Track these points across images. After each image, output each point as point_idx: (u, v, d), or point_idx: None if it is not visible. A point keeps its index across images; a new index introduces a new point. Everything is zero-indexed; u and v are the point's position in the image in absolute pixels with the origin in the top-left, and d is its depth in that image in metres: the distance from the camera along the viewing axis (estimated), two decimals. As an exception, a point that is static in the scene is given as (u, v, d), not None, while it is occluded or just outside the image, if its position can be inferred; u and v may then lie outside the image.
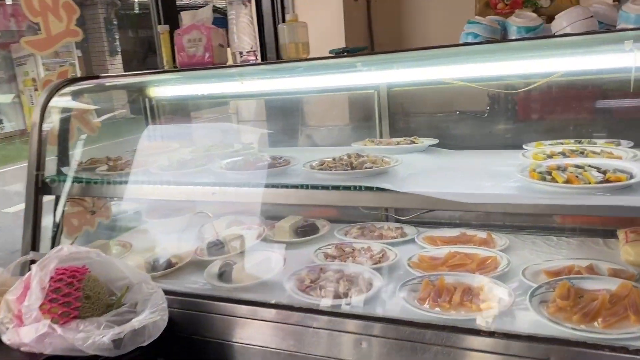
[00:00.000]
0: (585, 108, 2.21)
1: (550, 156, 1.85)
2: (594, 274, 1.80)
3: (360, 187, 1.75)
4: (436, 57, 2.06)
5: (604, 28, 1.87)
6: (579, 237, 2.18)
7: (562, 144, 2.08)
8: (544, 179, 1.58)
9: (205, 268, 2.12)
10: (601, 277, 1.72)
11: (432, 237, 2.26)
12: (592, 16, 1.83)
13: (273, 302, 1.81)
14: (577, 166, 1.64)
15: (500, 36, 1.98)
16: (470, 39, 1.94)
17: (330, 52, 2.14)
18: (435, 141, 2.26)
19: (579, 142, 2.06)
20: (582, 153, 1.82)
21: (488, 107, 2.44)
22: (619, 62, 1.82)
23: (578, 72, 2.03)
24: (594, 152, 1.83)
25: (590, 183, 1.52)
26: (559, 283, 1.68)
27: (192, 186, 2.00)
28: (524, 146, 2.10)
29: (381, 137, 2.53)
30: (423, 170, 1.93)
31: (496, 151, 2.20)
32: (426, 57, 2.06)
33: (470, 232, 2.27)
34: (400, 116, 2.58)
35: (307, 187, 1.84)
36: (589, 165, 1.63)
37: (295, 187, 1.86)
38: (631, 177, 1.53)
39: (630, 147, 1.94)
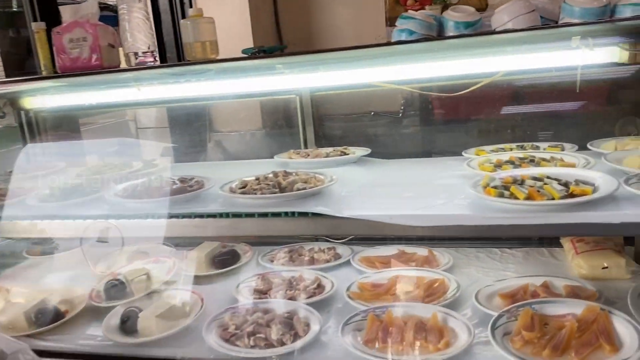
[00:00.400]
0: (525, 110, 2.08)
1: (498, 165, 1.67)
2: (551, 293, 1.64)
3: (293, 213, 1.47)
4: (367, 57, 1.82)
5: (544, 23, 1.71)
6: (522, 247, 2.04)
7: (503, 149, 1.92)
8: (502, 195, 1.39)
9: (104, 317, 1.74)
10: (563, 300, 1.56)
11: (369, 258, 2.02)
12: (534, 10, 1.67)
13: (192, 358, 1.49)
14: (535, 178, 1.46)
15: (436, 32, 1.78)
16: (404, 36, 1.71)
17: (244, 52, 1.84)
18: (367, 151, 2.03)
19: (522, 147, 1.91)
20: (532, 161, 1.66)
21: (423, 111, 2.26)
22: (564, 60, 1.68)
23: (520, 71, 1.88)
24: (544, 160, 1.67)
25: (554, 198, 1.35)
26: (520, 311, 1.49)
27: (80, 220, 1.61)
28: (463, 153, 1.92)
29: (306, 146, 2.26)
30: (362, 188, 1.68)
31: (435, 159, 2.01)
32: (357, 58, 1.82)
33: (409, 249, 2.06)
34: (326, 122, 2.32)
35: (227, 215, 1.53)
36: (548, 177, 1.46)
37: (214, 216, 1.54)
38: (595, 189, 1.38)
39: (575, 151, 1.81)
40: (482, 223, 1.37)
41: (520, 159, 1.69)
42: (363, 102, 2.29)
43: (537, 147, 1.90)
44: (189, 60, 1.89)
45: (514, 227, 1.35)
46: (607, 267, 1.71)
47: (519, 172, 1.53)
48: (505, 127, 2.13)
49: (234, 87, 2.05)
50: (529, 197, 1.36)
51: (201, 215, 1.54)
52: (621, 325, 1.41)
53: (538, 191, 1.37)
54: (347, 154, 1.99)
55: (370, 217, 1.41)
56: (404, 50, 1.73)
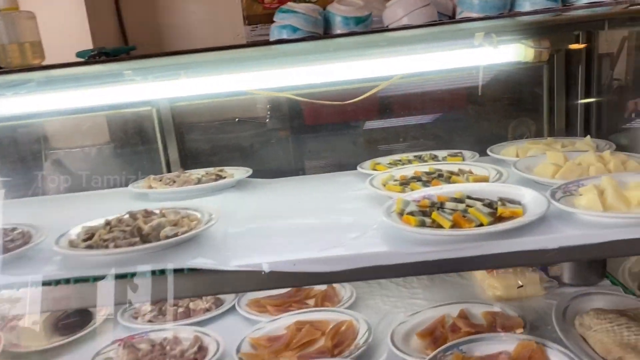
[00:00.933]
0: (418, 115, 1.89)
1: (404, 183, 1.43)
2: (472, 324, 1.45)
3: (162, 270, 1.10)
4: (240, 59, 1.49)
5: (440, 19, 1.52)
6: (425, 267, 1.85)
7: (400, 161, 1.71)
8: (423, 224, 1.14)
9: None
10: (491, 335, 1.37)
11: (258, 301, 1.68)
12: (429, 3, 1.47)
13: None
14: (455, 199, 1.25)
15: (322, 30, 1.51)
16: (286, 34, 1.41)
17: (79, 55, 1.41)
18: (247, 172, 1.69)
19: (420, 158, 1.71)
20: (441, 176, 1.45)
21: (308, 119, 1.97)
22: (465, 60, 1.51)
23: (418, 73, 1.68)
24: (453, 173, 1.47)
25: (482, 224, 1.14)
26: (449, 356, 1.27)
27: None
28: (359, 168, 1.68)
29: (169, 170, 1.86)
30: (250, 222, 1.34)
31: (329, 176, 1.74)
32: (226, 60, 1.48)
33: (303, 283, 1.77)
34: (192, 139, 1.94)
35: (69, 281, 1.10)
36: (469, 197, 1.25)
37: (48, 284, 1.10)
38: (524, 208, 1.19)
39: (476, 159, 1.65)
40: (407, 261, 1.11)
41: (427, 174, 1.48)
42: (236, 112, 1.95)
43: (436, 157, 1.72)
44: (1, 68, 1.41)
45: (442, 262, 1.12)
46: (522, 286, 1.57)
47: (433, 192, 1.31)
48: (396, 135, 1.94)
49: (69, 100, 1.59)
50: (455, 225, 1.14)
51: (26, 285, 1.10)
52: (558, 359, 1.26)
53: (464, 216, 1.15)
54: (224, 177, 1.64)
55: (267, 266, 1.09)
56: (286, 51, 1.43)
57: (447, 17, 1.48)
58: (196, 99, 1.84)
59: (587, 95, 1.76)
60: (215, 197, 1.56)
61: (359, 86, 1.68)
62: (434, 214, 1.17)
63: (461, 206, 1.20)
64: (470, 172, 1.47)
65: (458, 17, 1.43)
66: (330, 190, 1.59)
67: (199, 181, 1.60)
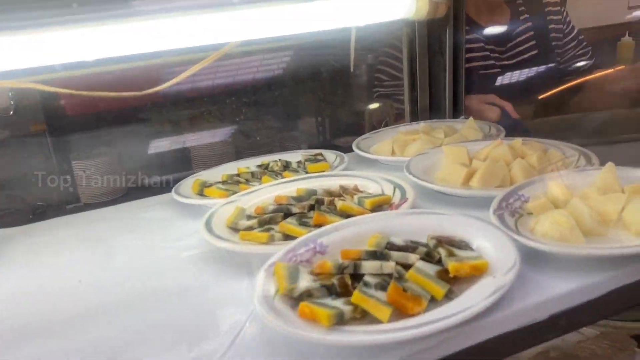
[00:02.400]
0: (253, 104, 1.31)
1: (266, 223, 0.87)
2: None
3: None
4: None
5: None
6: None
7: (237, 176, 1.13)
8: (341, 320, 0.62)
9: None
10: None
11: None
12: None
13: None
14: (372, 253, 0.73)
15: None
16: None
17: None
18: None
19: (266, 168, 1.16)
20: (320, 204, 0.92)
21: (69, 121, 1.24)
22: (326, 17, 0.99)
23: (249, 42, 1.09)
24: (333, 194, 0.95)
25: (436, 298, 0.65)
26: None
27: None
28: (174, 192, 1.05)
29: None
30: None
31: (124, 207, 1.09)
32: None
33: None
34: None
35: None
36: (390, 244, 0.75)
37: None
38: (478, 253, 0.73)
39: (345, 165, 1.16)
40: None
41: (297, 200, 0.94)
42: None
43: (289, 164, 1.18)
44: None
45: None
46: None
47: (327, 240, 0.78)
48: (221, 133, 1.34)
49: None
50: (398, 310, 0.63)
51: None
52: None
53: (405, 290, 0.65)
54: None
55: None
56: None
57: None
58: None
59: (455, 66, 1.40)
60: None
61: (161, 62, 1.05)
62: (357, 295, 0.64)
63: (388, 267, 0.70)
64: (358, 191, 0.97)
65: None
66: (132, 242, 0.95)
67: None
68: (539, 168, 1.01)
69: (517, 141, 1.09)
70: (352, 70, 1.01)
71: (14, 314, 0.76)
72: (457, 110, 1.45)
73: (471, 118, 1.29)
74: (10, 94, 1.80)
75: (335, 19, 1.03)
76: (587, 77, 1.59)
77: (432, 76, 1.43)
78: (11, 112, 1.61)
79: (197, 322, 0.69)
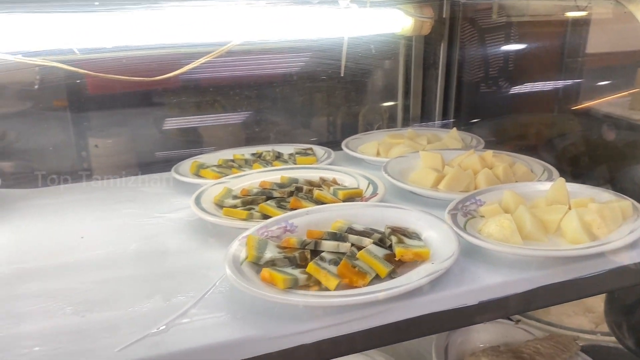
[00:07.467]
0: (255, 97, 1.42)
1: (248, 203, 0.98)
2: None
3: None
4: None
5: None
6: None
7: (232, 162, 1.24)
8: (295, 284, 0.72)
9: None
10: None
11: None
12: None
13: None
14: (333, 234, 0.84)
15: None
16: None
17: None
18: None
19: (259, 157, 1.27)
20: (299, 190, 1.03)
21: (89, 101, 1.36)
22: (323, 27, 1.09)
23: (257, 41, 1.20)
24: (312, 184, 1.06)
25: (380, 276, 0.76)
26: None
27: None
28: (174, 171, 1.17)
29: None
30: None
31: (125, 181, 1.21)
32: None
33: None
34: None
35: None
36: (351, 228, 0.86)
37: None
38: (427, 242, 0.84)
39: (331, 160, 1.27)
40: (276, 349, 0.68)
41: (280, 186, 1.05)
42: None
43: (280, 155, 1.29)
44: None
45: (327, 344, 0.71)
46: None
47: (296, 221, 0.89)
48: (223, 122, 1.45)
49: None
50: (344, 282, 0.74)
51: None
52: None
53: (353, 267, 0.76)
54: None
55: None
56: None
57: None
58: None
59: (447, 77, 1.50)
60: None
61: (171, 53, 1.17)
62: (311, 266, 0.75)
63: (344, 247, 0.80)
64: (336, 183, 1.08)
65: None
66: (131, 210, 1.07)
67: None
68: (503, 179, 1.11)
69: (489, 153, 1.19)
70: (342, 74, 1.12)
71: (20, 259, 0.88)
72: (446, 120, 1.55)
73: (454, 128, 1.40)
74: (37, 69, 1.92)
75: (333, 28, 1.13)
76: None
77: (425, 87, 1.53)
78: (36, 87, 1.74)
79: (174, 279, 0.80)
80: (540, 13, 1.64)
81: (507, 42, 1.59)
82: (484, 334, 1.21)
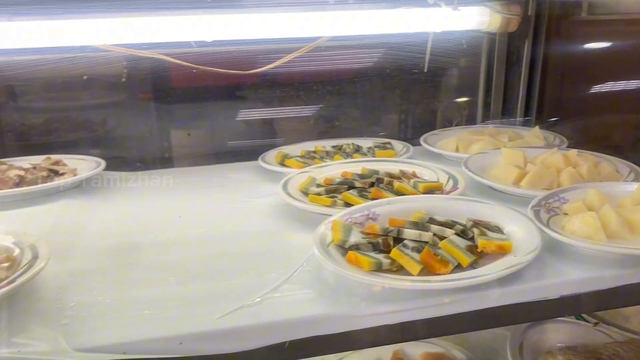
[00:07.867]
0: (337, 91, 1.48)
1: (332, 192, 1.03)
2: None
3: None
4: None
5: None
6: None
7: (314, 152, 1.30)
8: (379, 268, 0.76)
9: None
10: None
11: None
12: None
13: None
14: (415, 224, 0.87)
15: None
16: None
17: None
18: (99, 165, 1.17)
19: (339, 149, 1.32)
20: (379, 181, 1.07)
21: (181, 93, 1.47)
22: (410, 24, 1.12)
23: (343, 37, 1.25)
24: (392, 176, 1.10)
25: (462, 265, 0.78)
26: None
27: None
28: (260, 160, 1.24)
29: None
30: (99, 258, 0.85)
31: (214, 169, 1.28)
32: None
33: None
34: (17, 106, 1.34)
35: None
36: (432, 218, 0.89)
37: None
38: (508, 236, 0.85)
39: (409, 154, 1.30)
40: (361, 327, 0.72)
41: (361, 177, 1.09)
42: (82, 74, 1.39)
43: (360, 148, 1.34)
44: None
45: (411, 326, 0.75)
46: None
47: (380, 210, 0.93)
48: (305, 115, 1.51)
49: None
50: (426, 269, 0.77)
51: None
52: None
53: (436, 255, 0.79)
54: (62, 174, 1.11)
55: (128, 348, 0.64)
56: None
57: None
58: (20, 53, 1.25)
59: (531, 75, 1.48)
60: (46, 206, 1.03)
61: (261, 48, 1.24)
62: (395, 252, 0.79)
63: (426, 236, 0.84)
64: (416, 176, 1.11)
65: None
66: (222, 194, 1.14)
67: (21, 181, 1.06)
68: (587, 178, 1.10)
69: (573, 152, 1.18)
70: (425, 70, 1.14)
71: (128, 233, 0.97)
72: (528, 118, 1.53)
73: (537, 127, 1.38)
74: (124, 63, 2.06)
75: (417, 25, 1.16)
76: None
77: (508, 84, 1.52)
78: (123, 79, 1.87)
79: (265, 257, 0.86)
80: (631, 11, 1.58)
81: (595, 39, 1.55)
82: (559, 334, 1.20)
